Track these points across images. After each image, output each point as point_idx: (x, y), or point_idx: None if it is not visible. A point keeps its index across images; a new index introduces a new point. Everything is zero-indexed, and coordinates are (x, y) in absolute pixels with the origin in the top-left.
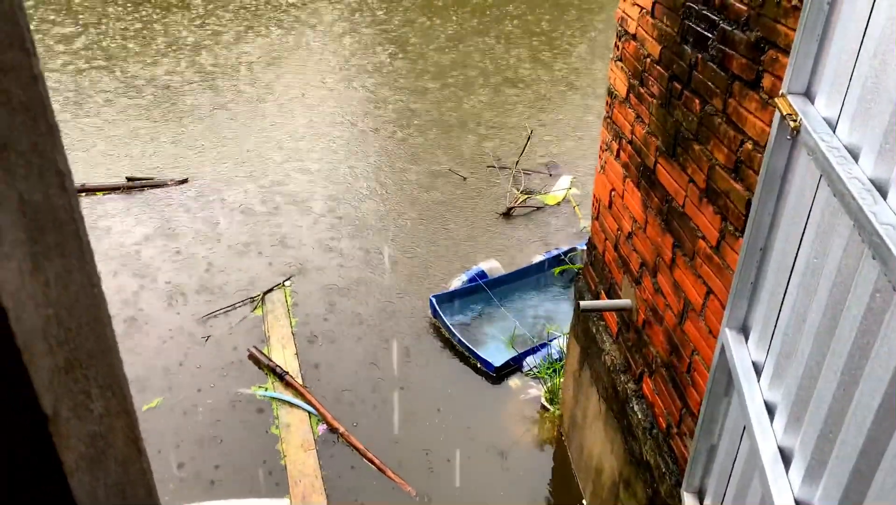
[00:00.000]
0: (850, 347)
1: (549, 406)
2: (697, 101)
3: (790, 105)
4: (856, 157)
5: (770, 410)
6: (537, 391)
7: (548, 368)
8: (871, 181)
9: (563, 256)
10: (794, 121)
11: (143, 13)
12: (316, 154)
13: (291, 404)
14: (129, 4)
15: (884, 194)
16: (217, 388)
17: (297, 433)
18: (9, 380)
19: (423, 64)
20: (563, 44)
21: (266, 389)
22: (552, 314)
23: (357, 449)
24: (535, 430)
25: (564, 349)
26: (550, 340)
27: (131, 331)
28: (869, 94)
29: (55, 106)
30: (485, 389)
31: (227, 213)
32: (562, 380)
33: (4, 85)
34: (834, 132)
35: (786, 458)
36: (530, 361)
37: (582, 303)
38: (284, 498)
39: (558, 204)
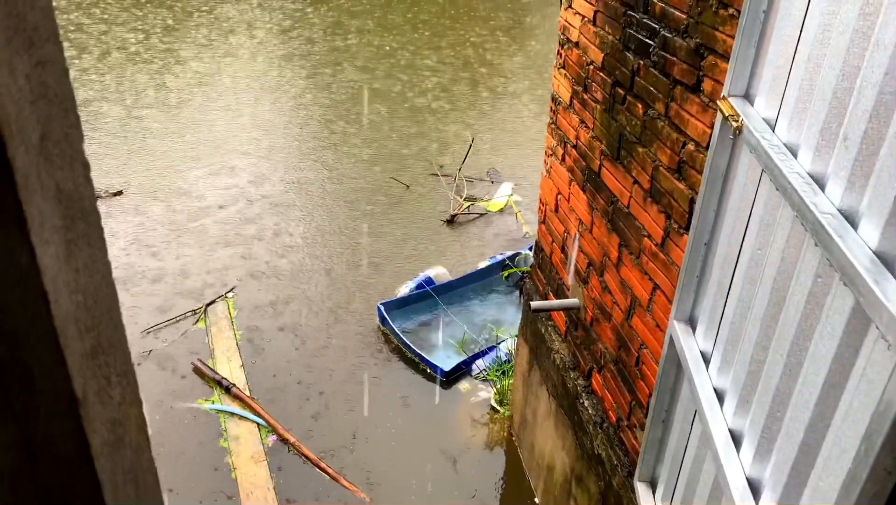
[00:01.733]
0: (795, 330)
1: (498, 408)
2: (640, 105)
3: (732, 107)
4: (794, 154)
5: (720, 395)
6: (487, 394)
7: (497, 371)
8: (810, 175)
9: (507, 261)
10: (737, 121)
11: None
12: (253, 165)
13: (240, 417)
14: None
15: (822, 186)
16: (161, 402)
17: (246, 445)
18: (47, 362)
19: (365, 72)
20: (501, 52)
21: (213, 402)
22: (499, 318)
23: (309, 459)
24: (486, 432)
25: (512, 351)
26: (499, 343)
27: None
28: (805, 96)
29: None
30: (435, 394)
31: (165, 224)
32: (511, 381)
33: (43, 77)
34: (773, 131)
35: (736, 439)
36: (479, 364)
37: (533, 303)
38: None
39: (501, 210)
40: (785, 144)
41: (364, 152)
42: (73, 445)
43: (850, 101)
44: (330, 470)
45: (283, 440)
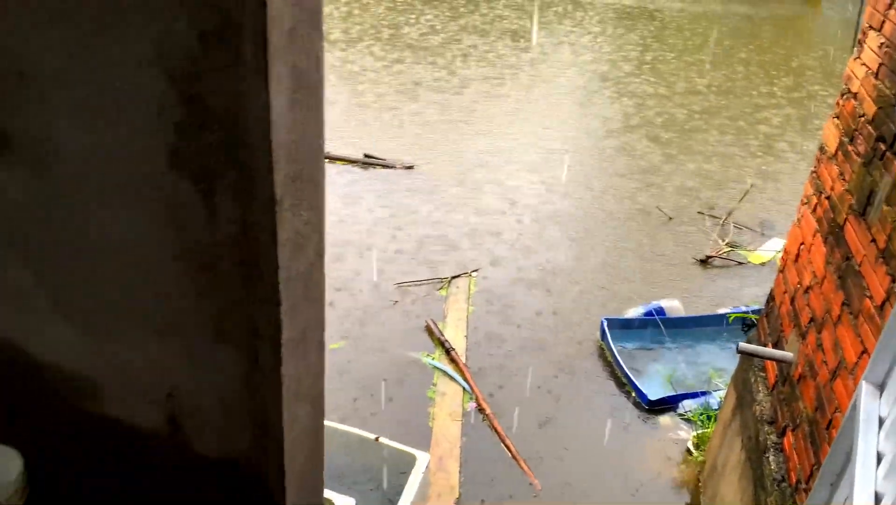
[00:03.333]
0: None
1: (694, 451)
2: None
3: None
4: None
5: (879, 459)
6: (686, 434)
7: (702, 415)
8: None
9: (750, 314)
10: None
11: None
12: (539, 167)
13: (450, 377)
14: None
15: None
16: (392, 345)
17: (449, 403)
18: (263, 168)
19: (661, 98)
20: (818, 106)
21: (433, 358)
22: (723, 367)
23: (497, 433)
24: (675, 471)
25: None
26: (715, 390)
27: (336, 283)
28: None
29: None
30: (634, 419)
31: (445, 201)
32: (713, 428)
33: (302, 18)
34: None
35: (877, 502)
36: (687, 404)
37: (741, 344)
38: (426, 453)
39: (763, 264)
40: None
41: (641, 176)
42: (268, 235)
43: None
44: (513, 448)
45: (481, 409)
